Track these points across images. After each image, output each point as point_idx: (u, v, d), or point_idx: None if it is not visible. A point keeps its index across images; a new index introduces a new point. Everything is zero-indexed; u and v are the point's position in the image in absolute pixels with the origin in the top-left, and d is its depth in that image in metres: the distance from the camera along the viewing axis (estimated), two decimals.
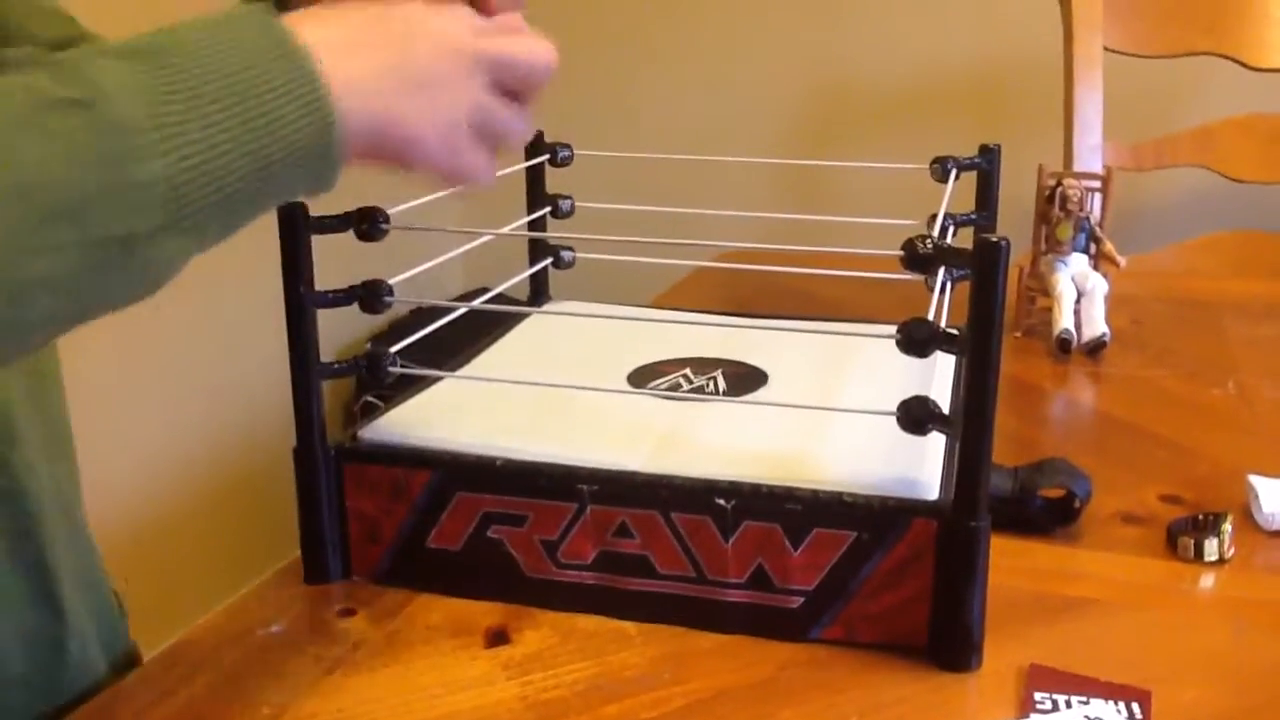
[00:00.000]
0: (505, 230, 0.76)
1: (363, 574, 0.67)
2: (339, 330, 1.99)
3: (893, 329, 0.56)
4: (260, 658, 0.60)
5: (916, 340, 0.56)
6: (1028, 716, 0.54)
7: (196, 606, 0.67)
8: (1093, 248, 1.08)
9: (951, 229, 0.74)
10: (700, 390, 0.74)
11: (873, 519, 0.58)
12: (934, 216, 0.74)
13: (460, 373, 0.77)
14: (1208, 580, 0.67)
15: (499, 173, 0.81)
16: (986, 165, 0.89)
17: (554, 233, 0.84)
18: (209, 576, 1.83)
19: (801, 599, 0.60)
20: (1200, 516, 0.71)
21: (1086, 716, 0.54)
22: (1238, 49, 1.59)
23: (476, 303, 0.71)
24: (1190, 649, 0.60)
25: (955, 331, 0.55)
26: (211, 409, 1.90)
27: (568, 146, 0.89)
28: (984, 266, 0.53)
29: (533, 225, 0.86)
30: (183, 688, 0.58)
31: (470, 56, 0.54)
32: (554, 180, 0.89)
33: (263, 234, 0.69)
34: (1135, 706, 0.55)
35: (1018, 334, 1.10)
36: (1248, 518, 0.73)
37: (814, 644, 0.60)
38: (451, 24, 0.55)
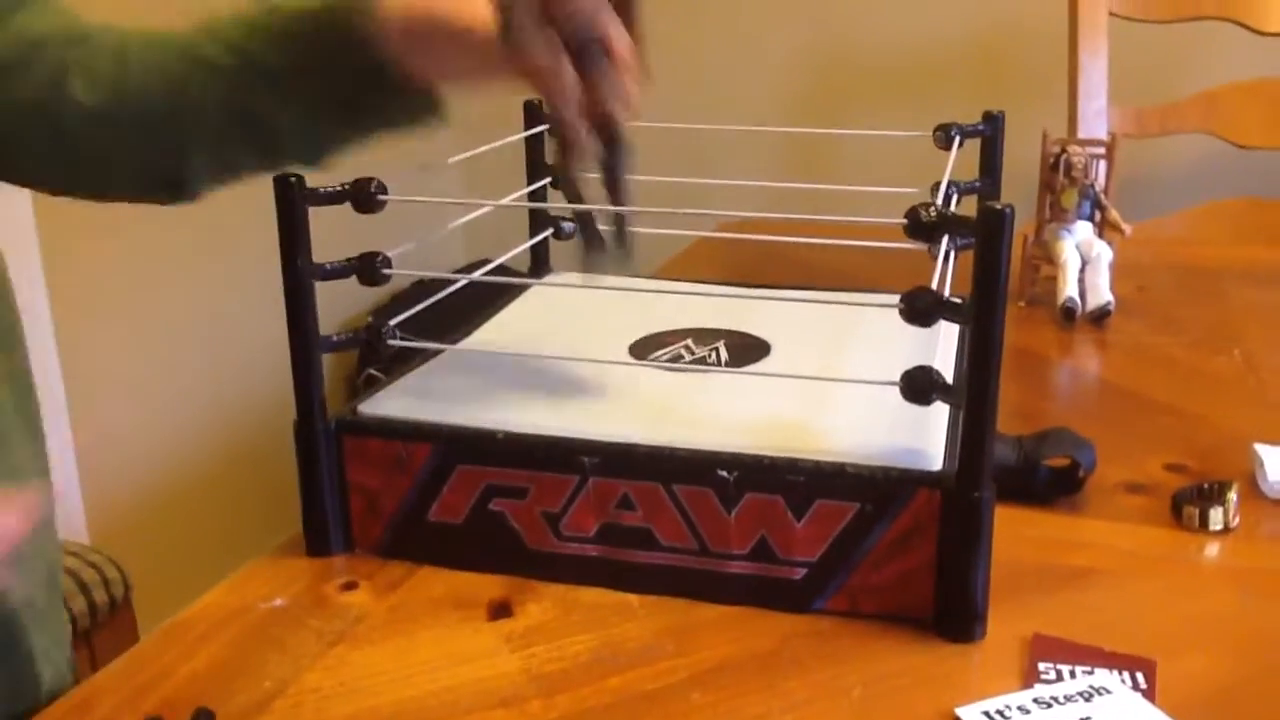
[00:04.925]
0: (505, 201, 0.75)
1: (365, 547, 0.67)
2: (341, 304, 1.99)
3: (896, 298, 0.55)
4: (262, 632, 0.60)
5: (920, 309, 0.55)
6: (1032, 686, 0.54)
7: (198, 581, 0.67)
8: (1097, 215, 1.08)
9: (955, 197, 0.74)
10: (702, 361, 0.73)
11: (876, 490, 0.58)
12: (937, 184, 0.74)
13: (461, 345, 0.77)
14: (1213, 549, 0.67)
15: (497, 143, 0.81)
16: (990, 132, 0.88)
17: (554, 203, 0.83)
18: (210, 551, 1.83)
19: (805, 570, 0.60)
20: (1205, 485, 0.71)
21: (1091, 686, 0.53)
22: (1245, 13, 1.57)
23: (477, 274, 0.70)
24: (1195, 618, 0.60)
25: (959, 300, 0.55)
26: (212, 383, 1.90)
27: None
28: (988, 235, 0.53)
29: (533, 196, 0.85)
30: (185, 662, 0.58)
31: None
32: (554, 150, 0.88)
33: (262, 206, 0.69)
34: (1140, 676, 0.54)
35: (1022, 303, 1.09)
36: (1253, 486, 0.73)
37: (817, 615, 0.60)
38: None
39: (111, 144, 0.77)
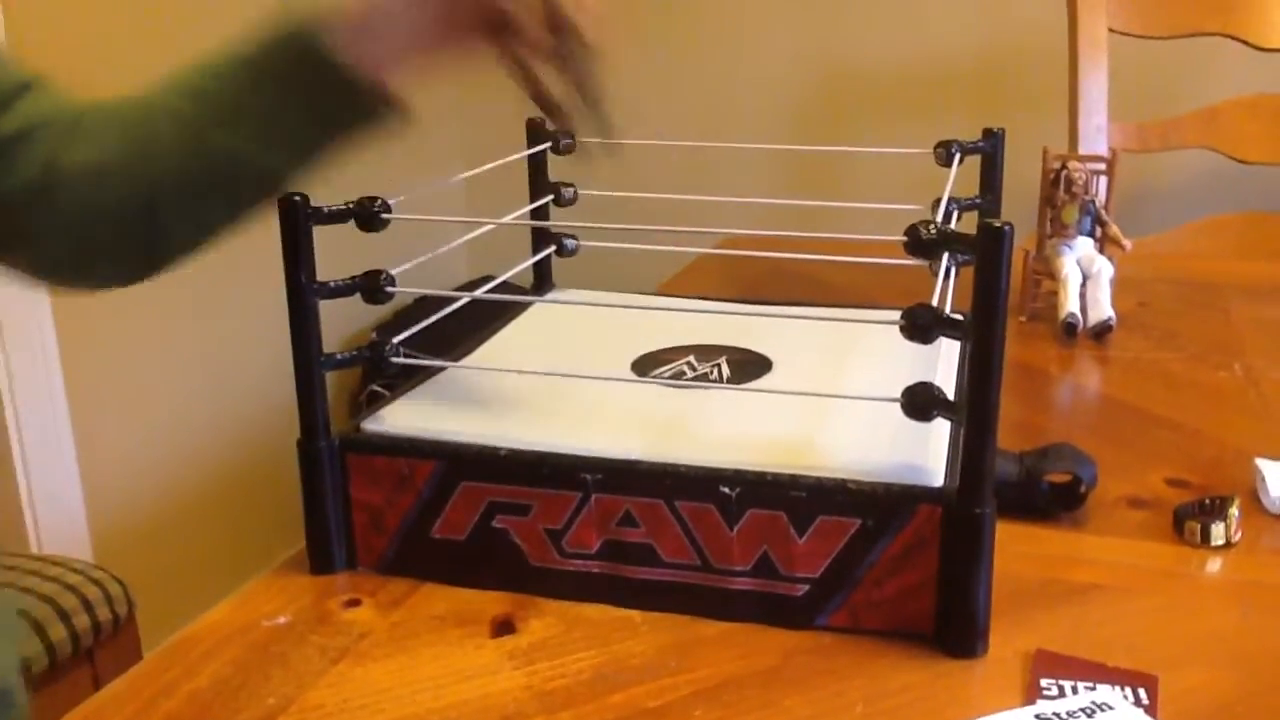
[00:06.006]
0: (508, 219, 0.76)
1: (368, 564, 0.67)
2: (346, 321, 1.99)
3: (897, 315, 0.56)
4: (266, 649, 0.60)
5: (920, 326, 0.55)
6: (1034, 702, 0.54)
7: (202, 599, 0.67)
8: (1098, 230, 1.08)
9: (955, 213, 0.74)
10: (704, 378, 0.73)
11: (877, 506, 0.58)
12: (938, 201, 0.74)
13: (464, 362, 0.77)
14: (1214, 564, 0.67)
15: (500, 161, 0.81)
16: (990, 149, 0.88)
17: (557, 221, 0.84)
18: (215, 568, 1.84)
19: (807, 586, 0.60)
20: (1207, 500, 0.71)
21: (1093, 702, 0.53)
22: (1244, 29, 1.58)
23: (480, 292, 0.71)
24: (1197, 633, 0.60)
25: (959, 317, 0.55)
26: (216, 401, 1.90)
27: (570, 134, 0.88)
28: (988, 251, 0.53)
29: (535, 213, 0.86)
30: (189, 679, 0.58)
31: None
32: (556, 168, 0.89)
33: (267, 226, 0.70)
34: (1142, 691, 0.54)
35: (1023, 318, 1.09)
36: (1254, 501, 0.73)
37: (819, 631, 0.60)
38: None
39: (97, 214, 0.76)
